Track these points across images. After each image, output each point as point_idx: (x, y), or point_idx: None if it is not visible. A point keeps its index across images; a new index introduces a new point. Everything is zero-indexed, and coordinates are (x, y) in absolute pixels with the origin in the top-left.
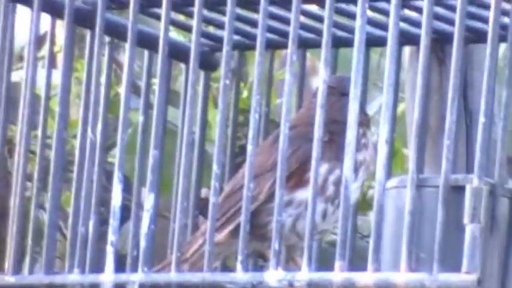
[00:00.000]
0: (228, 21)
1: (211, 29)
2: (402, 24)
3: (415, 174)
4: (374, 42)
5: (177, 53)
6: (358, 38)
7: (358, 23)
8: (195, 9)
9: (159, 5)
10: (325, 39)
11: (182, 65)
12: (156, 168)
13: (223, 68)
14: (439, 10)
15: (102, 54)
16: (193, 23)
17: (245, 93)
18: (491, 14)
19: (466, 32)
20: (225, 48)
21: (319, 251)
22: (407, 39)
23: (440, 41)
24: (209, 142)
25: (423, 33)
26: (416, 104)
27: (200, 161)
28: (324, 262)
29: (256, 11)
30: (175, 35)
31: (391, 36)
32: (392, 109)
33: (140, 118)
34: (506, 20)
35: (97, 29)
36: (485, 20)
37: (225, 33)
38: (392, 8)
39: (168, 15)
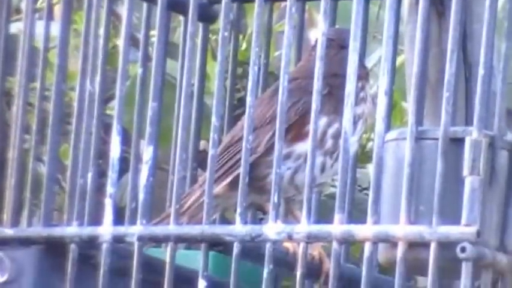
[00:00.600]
0: None
1: None
2: None
3: (415, 126)
4: None
5: (176, 4)
6: None
7: None
8: None
9: None
10: None
11: (181, 17)
12: (154, 121)
13: (222, 20)
14: None
15: (101, 6)
16: None
17: (244, 46)
18: None
19: None
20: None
21: (318, 204)
22: None
23: None
24: (208, 94)
25: None
26: (416, 56)
27: (199, 113)
28: (323, 215)
29: None
30: None
31: None
32: (392, 61)
33: (139, 70)
34: None
35: None
36: None
37: None
38: None
39: None
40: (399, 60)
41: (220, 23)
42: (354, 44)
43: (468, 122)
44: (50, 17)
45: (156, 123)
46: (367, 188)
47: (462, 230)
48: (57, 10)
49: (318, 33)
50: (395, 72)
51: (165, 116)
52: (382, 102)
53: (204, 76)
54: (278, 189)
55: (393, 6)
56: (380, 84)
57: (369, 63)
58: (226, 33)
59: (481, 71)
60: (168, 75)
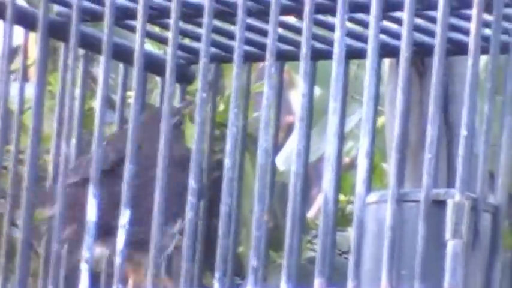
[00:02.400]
0: (205, 32)
1: (187, 41)
2: (382, 36)
3: (396, 188)
4: (353, 54)
5: (153, 65)
6: (337, 50)
7: (337, 35)
8: (172, 20)
9: (135, 17)
10: (303, 52)
11: (158, 78)
12: (130, 183)
13: (200, 81)
14: (420, 22)
15: (77, 67)
16: (170, 34)
17: (222, 107)
18: (472, 26)
19: (447, 44)
20: (202, 60)
21: (298, 268)
22: (386, 51)
23: (421, 54)
24: None
25: (403, 46)
26: (397, 118)
27: None
28: (303, 279)
29: (233, 22)
30: (150, 47)
31: (370, 48)
32: (372, 123)
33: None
34: (487, 31)
35: (71, 42)
36: (466, 32)
37: (202, 45)
38: (371, 19)
39: (144, 27)
40: (379, 121)
41: (199, 83)
42: (334, 105)
43: (450, 184)
44: (25, 78)
45: (132, 186)
46: (346, 252)
47: None
48: (32, 71)
49: (298, 95)
50: (376, 134)
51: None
52: (362, 164)
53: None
54: (257, 254)
55: (373, 67)
56: (360, 146)
57: (349, 124)
58: (204, 95)
59: (463, 133)
60: None
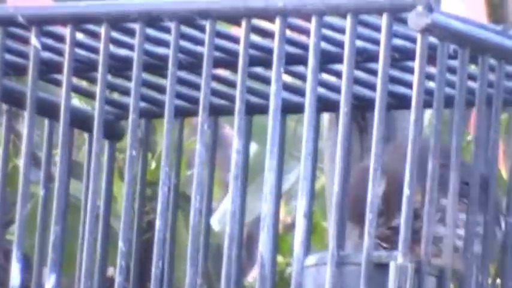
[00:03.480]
0: (134, 86)
1: (115, 96)
2: (321, 90)
3: (336, 250)
4: (291, 108)
5: (80, 121)
6: (273, 104)
7: (273, 88)
8: (99, 74)
9: (60, 71)
10: (238, 106)
11: (86, 134)
12: (57, 246)
13: (130, 138)
14: (360, 74)
15: None
16: (97, 89)
17: (153, 165)
18: (415, 79)
19: (388, 98)
20: (131, 116)
21: None
22: (326, 105)
23: (361, 108)
24: (115, 217)
25: (343, 99)
26: (337, 176)
27: (105, 237)
28: None
29: (164, 76)
30: (78, 102)
31: (308, 102)
32: (311, 180)
33: (41, 191)
34: (431, 84)
35: None
36: (409, 85)
37: (131, 100)
38: (309, 72)
39: (70, 81)
40: (322, 179)
41: (128, 140)
42: (270, 161)
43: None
44: None
45: (59, 248)
46: None
47: None
48: None
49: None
50: (318, 191)
51: (69, 240)
52: (300, 225)
53: (110, 197)
54: None
55: (312, 122)
56: (298, 206)
57: (287, 182)
58: (134, 152)
59: (406, 191)
60: (72, 196)
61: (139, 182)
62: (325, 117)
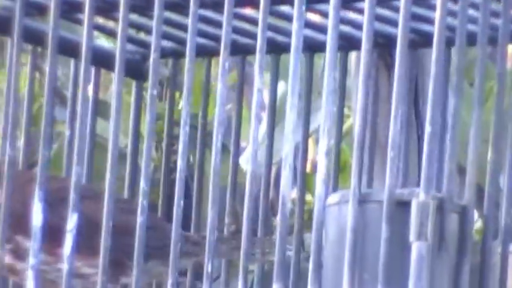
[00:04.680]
0: (155, 25)
1: (142, 35)
2: (346, 28)
3: (358, 188)
4: (318, 47)
5: (106, 61)
6: (294, 43)
7: (294, 26)
8: (120, 13)
9: (82, 10)
10: (259, 44)
11: (113, 74)
12: (78, 187)
13: (151, 77)
14: (386, 12)
15: (24, 64)
16: (119, 27)
17: (181, 104)
18: (437, 15)
19: (415, 36)
20: (153, 55)
21: (261, 273)
22: (352, 44)
23: (388, 46)
24: (142, 156)
25: (364, 36)
26: (358, 113)
27: (133, 177)
28: (266, 283)
29: (187, 14)
30: (103, 41)
31: (330, 39)
32: (338, 119)
33: (67, 131)
34: (454, 22)
35: (15, 36)
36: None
37: (152, 39)
38: (331, 9)
39: (91, 20)
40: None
41: (149, 80)
42: (292, 100)
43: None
44: None
45: (80, 188)
46: None
47: None
48: None
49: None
50: (346, 131)
51: (95, 180)
52: (321, 163)
53: (138, 137)
54: (211, 258)
55: (333, 59)
56: (320, 145)
57: (315, 121)
58: (154, 92)
59: (427, 129)
60: (99, 136)
61: (166, 121)
62: (353, 56)
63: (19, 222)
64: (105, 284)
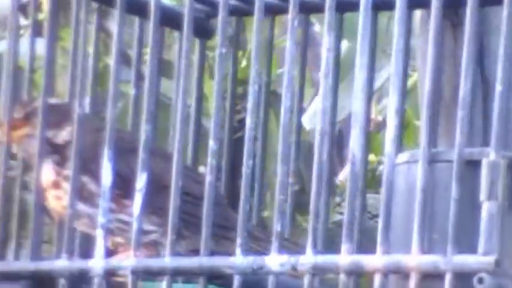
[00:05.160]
0: None
1: None
2: None
3: (427, 148)
4: (382, 5)
5: (170, 19)
6: (364, 2)
7: None
8: None
9: None
10: (328, 3)
11: (176, 33)
12: (148, 145)
13: (220, 36)
14: None
15: (90, 22)
16: None
17: (244, 63)
18: None
19: None
20: (221, 13)
21: (325, 232)
22: (418, 2)
23: (454, 4)
24: (205, 116)
25: None
26: (428, 72)
27: (196, 136)
28: (330, 244)
29: None
30: (168, 0)
31: None
32: (403, 77)
33: (132, 91)
34: None
35: None
36: None
37: None
38: None
39: None
40: (414, 77)
41: (218, 38)
42: (361, 60)
43: (486, 143)
44: (35, 34)
45: (149, 148)
46: (377, 215)
47: (479, 259)
48: (44, 27)
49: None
50: (409, 89)
51: (159, 140)
52: (391, 122)
53: (201, 96)
54: (282, 218)
55: (402, 18)
56: (390, 103)
57: (380, 79)
58: (223, 50)
59: (498, 87)
60: (162, 95)
61: (230, 80)
62: (417, 14)
63: (86, 164)
64: (173, 244)
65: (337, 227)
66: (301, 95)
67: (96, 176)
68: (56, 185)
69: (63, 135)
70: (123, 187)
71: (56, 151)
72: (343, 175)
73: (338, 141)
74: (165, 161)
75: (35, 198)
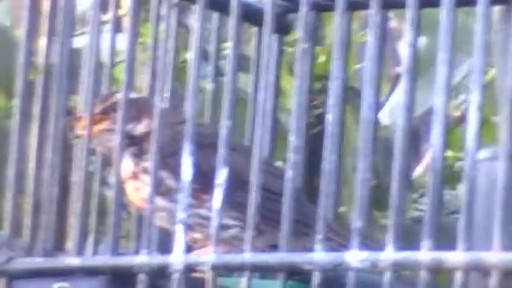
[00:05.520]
0: None
1: None
2: None
3: (509, 144)
4: (463, 1)
5: (249, 15)
6: None
7: None
8: None
9: None
10: None
11: (254, 29)
12: (227, 141)
13: (302, 31)
14: None
15: (170, 18)
16: None
17: (322, 58)
18: None
19: None
20: (302, 8)
21: (403, 228)
22: None
23: None
24: (282, 111)
25: None
26: (509, 69)
27: (273, 131)
28: (409, 240)
29: None
30: None
31: None
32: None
33: (209, 86)
34: None
35: None
36: None
37: None
38: None
39: None
40: (491, 72)
41: (299, 33)
42: (443, 55)
43: None
44: (116, 29)
45: (228, 143)
46: (456, 212)
47: None
48: (125, 22)
49: (404, 45)
50: (486, 85)
51: (236, 135)
52: (473, 117)
53: (278, 92)
54: (361, 214)
55: (484, 14)
56: (472, 99)
57: (457, 75)
58: (305, 45)
59: None
60: (239, 90)
61: (307, 75)
62: (496, 9)
63: (165, 159)
64: (253, 240)
65: (414, 223)
66: (378, 90)
67: (174, 171)
68: (135, 177)
69: (141, 127)
70: (202, 182)
71: (133, 143)
72: (419, 171)
73: (414, 137)
74: (244, 156)
75: (115, 193)
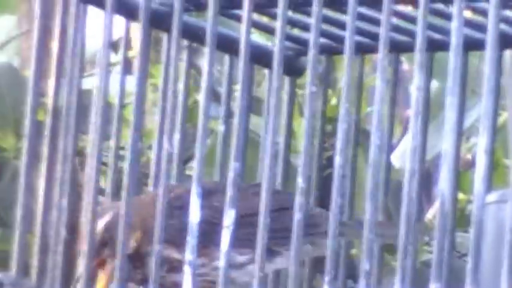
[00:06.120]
0: (314, 22)
1: (295, 32)
2: (503, 26)
3: None
4: (473, 45)
5: (260, 57)
6: (455, 41)
7: (454, 24)
8: (279, 10)
9: (240, 6)
10: (419, 42)
11: (265, 71)
12: (236, 182)
13: (310, 74)
14: None
15: (180, 59)
16: (277, 24)
17: (333, 101)
18: None
19: None
20: (311, 51)
21: (413, 272)
22: (508, 42)
23: None
24: (294, 153)
25: None
26: None
27: (285, 173)
28: (419, 283)
29: (344, 12)
30: (257, 37)
31: (490, 38)
32: (493, 117)
33: (221, 127)
34: None
35: (174, 32)
36: None
37: (311, 36)
38: (491, 8)
39: (250, 17)
40: (503, 116)
41: (308, 76)
42: (451, 99)
43: None
44: (125, 70)
45: (237, 185)
46: (466, 254)
47: None
48: (134, 63)
49: (413, 88)
50: (499, 128)
51: (247, 176)
52: (481, 161)
53: (290, 133)
54: (371, 256)
55: (493, 58)
56: (479, 142)
57: (468, 119)
58: (313, 88)
59: None
60: (251, 132)
61: (319, 117)
62: (507, 53)
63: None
64: (262, 268)
65: (425, 266)
66: (391, 134)
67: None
68: None
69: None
70: (203, 238)
71: (135, 266)
72: (431, 214)
73: (426, 180)
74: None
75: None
